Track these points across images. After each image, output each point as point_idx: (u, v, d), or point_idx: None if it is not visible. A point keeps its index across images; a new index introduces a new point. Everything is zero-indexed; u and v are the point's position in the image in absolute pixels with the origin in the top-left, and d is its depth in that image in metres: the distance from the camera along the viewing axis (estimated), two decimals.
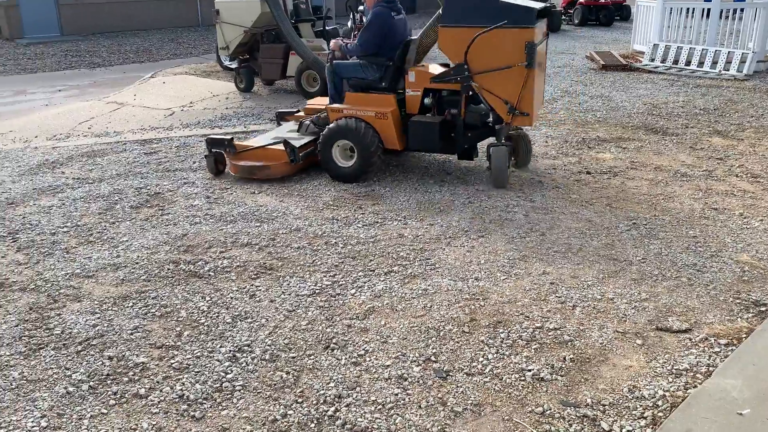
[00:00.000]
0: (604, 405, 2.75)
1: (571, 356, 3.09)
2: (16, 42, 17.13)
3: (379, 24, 5.61)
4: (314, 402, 2.78)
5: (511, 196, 5.32)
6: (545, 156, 6.52)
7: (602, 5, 19.56)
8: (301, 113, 6.69)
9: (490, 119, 5.58)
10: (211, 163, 5.93)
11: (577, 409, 2.73)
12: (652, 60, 11.75)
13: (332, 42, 6.11)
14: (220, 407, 2.76)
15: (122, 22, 19.36)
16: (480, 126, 5.60)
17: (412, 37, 5.99)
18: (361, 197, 5.40)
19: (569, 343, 3.20)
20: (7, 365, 3.05)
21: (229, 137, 5.86)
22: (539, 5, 5.36)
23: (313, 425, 2.64)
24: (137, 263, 4.14)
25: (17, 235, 4.63)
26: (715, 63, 10.98)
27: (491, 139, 5.61)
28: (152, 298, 3.68)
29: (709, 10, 11.53)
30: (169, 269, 4.04)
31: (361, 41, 5.69)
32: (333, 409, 2.73)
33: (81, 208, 5.17)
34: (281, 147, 5.72)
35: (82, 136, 7.84)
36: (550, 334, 3.28)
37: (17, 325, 3.40)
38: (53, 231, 4.70)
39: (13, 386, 2.90)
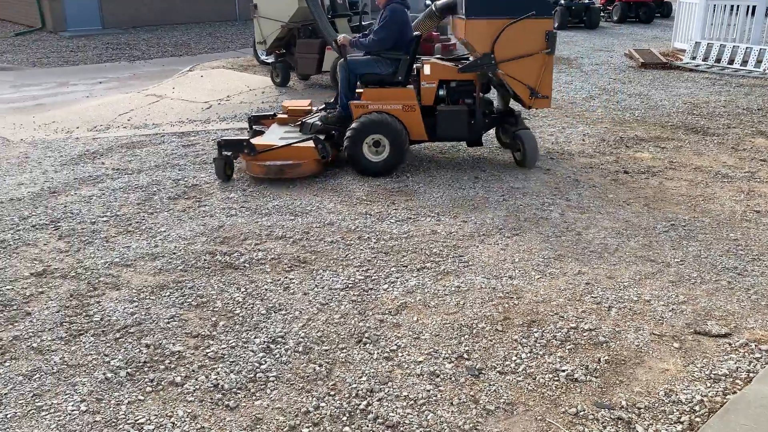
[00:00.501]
0: (639, 408, 2.71)
1: (606, 358, 3.05)
2: (60, 35, 17.52)
3: (396, 20, 5.73)
4: (346, 395, 2.80)
5: (547, 194, 5.27)
6: (582, 154, 6.43)
7: (642, 2, 19.22)
8: (284, 115, 6.45)
9: (496, 108, 6.13)
10: (220, 166, 5.58)
11: (612, 411, 2.69)
12: (694, 58, 11.50)
13: (341, 36, 6.01)
14: (254, 397, 2.79)
15: (162, 16, 19.67)
16: (493, 113, 6.06)
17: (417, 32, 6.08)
18: (394, 193, 5.40)
19: (604, 345, 3.16)
20: (48, 350, 3.13)
21: (246, 138, 5.65)
22: None
23: (345, 418, 2.66)
24: (174, 253, 4.20)
25: (59, 224, 4.74)
26: (759, 62, 10.70)
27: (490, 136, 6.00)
28: (189, 288, 3.73)
29: (754, 7, 11.25)
30: (205, 260, 4.10)
31: (379, 37, 5.74)
32: (365, 403, 2.74)
33: (120, 198, 5.28)
34: (309, 144, 5.63)
35: (122, 127, 7.99)
36: (584, 334, 3.24)
37: (58, 311, 3.49)
38: (93, 220, 4.81)
39: (55, 370, 2.97)
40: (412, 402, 2.75)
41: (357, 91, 5.96)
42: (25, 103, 9.93)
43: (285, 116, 6.45)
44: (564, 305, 3.53)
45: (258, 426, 2.61)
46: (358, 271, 3.97)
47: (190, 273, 3.94)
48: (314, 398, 2.78)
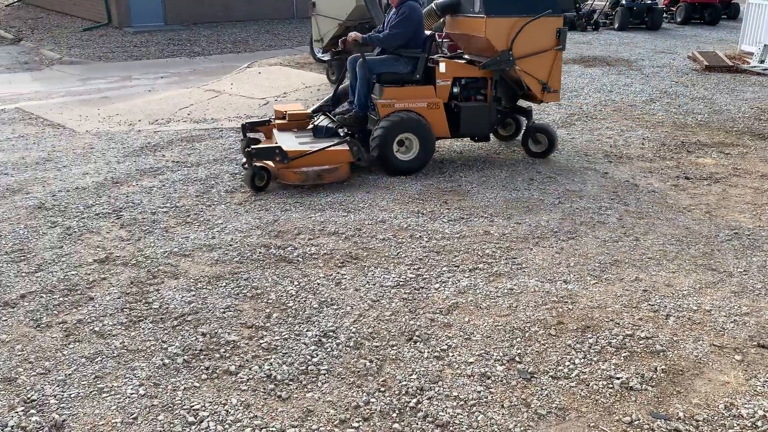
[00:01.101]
0: (697, 420, 2.63)
1: (663, 367, 2.97)
2: (124, 30, 18.08)
3: (414, 17, 5.76)
4: (396, 392, 2.81)
5: (604, 198, 5.17)
6: (641, 158, 6.28)
7: (708, 3, 18.58)
8: (282, 120, 6.18)
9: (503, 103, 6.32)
10: (249, 177, 5.28)
11: (668, 422, 2.62)
12: (762, 61, 11.07)
13: (352, 34, 5.86)
14: (306, 389, 2.83)
15: (222, 13, 20.07)
16: (503, 109, 6.29)
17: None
18: (447, 192, 5.38)
19: (661, 354, 3.07)
20: (110, 334, 3.24)
21: (278, 145, 5.39)
22: None
23: (395, 415, 2.67)
24: (231, 245, 4.29)
25: (121, 213, 4.90)
26: None
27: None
28: (244, 280, 3.81)
29: None
30: (260, 253, 4.18)
31: (396, 32, 5.74)
32: (415, 400, 2.75)
33: (180, 189, 5.42)
34: (343, 147, 5.50)
35: (182, 121, 8.20)
36: (641, 342, 3.17)
37: (119, 298, 3.61)
38: (154, 210, 4.95)
39: (115, 354, 3.08)
40: (462, 402, 2.74)
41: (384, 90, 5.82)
42: (91, 95, 10.29)
43: (284, 121, 6.17)
44: (620, 312, 3.45)
45: (309, 418, 2.65)
46: (409, 269, 3.97)
47: (246, 265, 4.01)
48: (364, 393, 2.80)
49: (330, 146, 5.50)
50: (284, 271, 3.94)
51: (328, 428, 2.59)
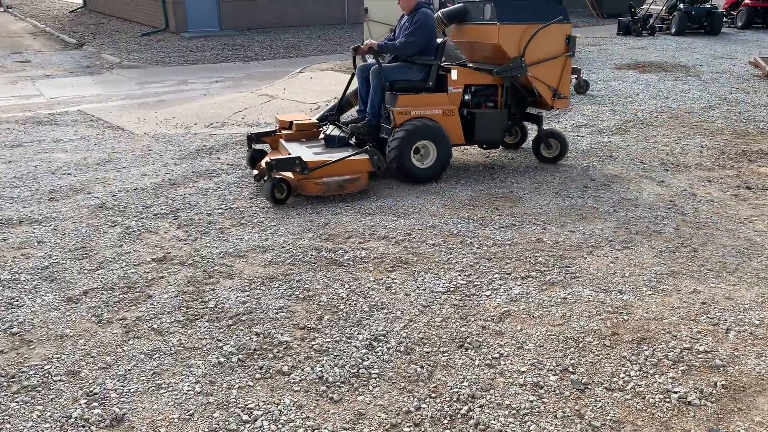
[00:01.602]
0: None
1: (723, 382, 2.88)
2: (181, 35, 18.57)
3: (429, 24, 5.76)
4: (447, 399, 2.80)
5: (660, 207, 5.05)
6: (699, 167, 6.11)
7: None
8: (288, 130, 6.09)
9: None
10: (270, 189, 5.13)
11: None
12: None
13: (368, 41, 5.86)
14: (357, 392, 2.85)
15: (275, 19, 20.43)
16: (514, 115, 6.31)
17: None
18: (498, 198, 5.34)
19: (721, 369, 2.98)
20: (167, 332, 3.33)
21: (297, 156, 5.24)
22: None
23: (446, 421, 2.66)
24: (283, 247, 4.36)
25: (178, 214, 5.03)
26: None
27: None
28: (296, 281, 3.86)
29: None
30: (311, 255, 4.23)
31: (412, 40, 5.71)
32: (466, 408, 2.74)
33: (234, 192, 5.53)
34: (362, 156, 5.39)
35: (236, 125, 8.37)
36: (699, 356, 3.08)
37: (177, 296, 3.71)
38: (209, 212, 5.07)
39: (172, 351, 3.16)
40: (514, 411, 2.71)
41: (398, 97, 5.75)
42: (148, 99, 10.60)
43: (291, 132, 6.08)
44: (677, 324, 3.37)
45: (360, 421, 2.67)
46: (460, 275, 3.96)
47: (298, 267, 4.07)
48: (415, 399, 2.80)
49: (350, 156, 5.41)
50: (335, 274, 3.98)
51: None
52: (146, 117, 8.96)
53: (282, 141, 6.01)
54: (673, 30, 16.66)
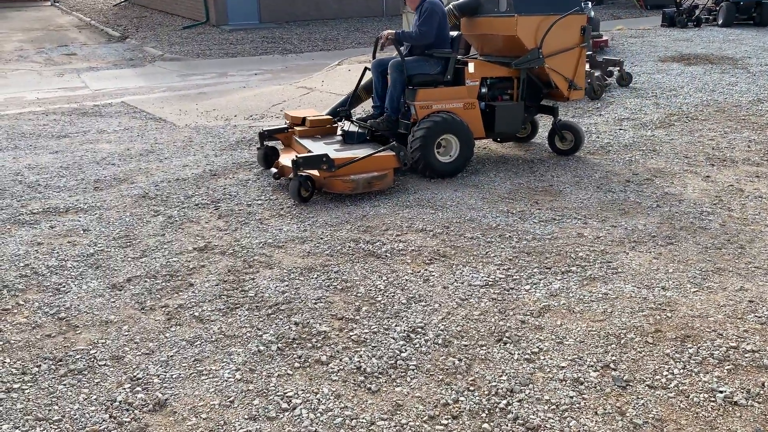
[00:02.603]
0: None
1: None
2: (221, 28, 18.79)
3: (437, 12, 5.67)
4: (486, 392, 2.78)
5: (706, 203, 4.92)
6: (746, 162, 5.94)
7: None
8: (305, 127, 5.98)
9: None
10: (295, 188, 5.05)
11: None
12: None
13: (386, 32, 5.78)
14: (395, 383, 2.85)
15: (313, 12, 20.51)
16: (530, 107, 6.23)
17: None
18: (538, 192, 5.28)
19: None
20: (208, 319, 3.39)
21: (324, 153, 5.14)
22: None
23: (484, 415, 2.65)
24: (321, 238, 4.38)
25: (219, 204, 5.10)
26: None
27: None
28: (334, 272, 3.88)
29: None
30: (350, 246, 4.24)
31: (425, 29, 5.64)
32: (505, 402, 2.71)
33: (273, 183, 5.58)
34: (388, 153, 5.29)
35: (275, 117, 8.44)
36: (746, 355, 3.00)
37: (217, 285, 3.76)
38: (249, 203, 5.12)
39: (213, 339, 3.21)
40: (554, 407, 2.68)
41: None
42: (189, 91, 10.76)
43: (305, 128, 5.98)
44: (723, 322, 3.28)
45: (398, 412, 2.67)
46: (498, 269, 3.93)
47: (336, 258, 4.09)
48: (453, 391, 2.79)
49: (377, 152, 5.31)
50: (373, 265, 3.99)
51: (417, 423, 2.60)
52: (187, 109, 9.10)
53: (296, 138, 5.94)
54: (720, 21, 16.19)
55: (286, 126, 6.17)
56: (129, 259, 4.14)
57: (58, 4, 29.42)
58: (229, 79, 11.99)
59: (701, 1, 17.46)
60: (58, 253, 4.23)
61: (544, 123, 6.94)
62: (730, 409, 2.66)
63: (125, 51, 16.01)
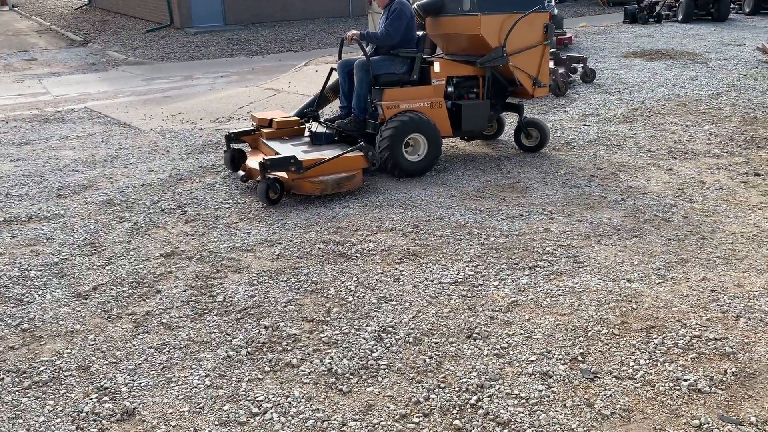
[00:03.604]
0: None
1: (734, 370, 2.87)
2: (186, 31, 18.58)
3: (406, 14, 5.73)
4: (456, 389, 2.80)
5: (669, 196, 5.02)
6: (707, 154, 6.07)
7: None
8: (272, 129, 5.93)
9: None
10: (263, 190, 4.99)
11: (740, 426, 2.53)
12: None
13: (350, 32, 5.78)
14: (366, 384, 2.85)
15: (279, 13, 20.40)
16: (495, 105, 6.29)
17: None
18: (505, 189, 5.33)
19: (731, 356, 2.97)
20: (177, 326, 3.35)
21: (292, 155, 5.09)
22: None
23: (455, 411, 2.66)
24: (291, 241, 4.37)
25: (185, 209, 5.04)
26: None
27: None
28: (304, 274, 3.87)
29: None
30: (319, 248, 4.23)
31: (391, 30, 5.68)
32: (475, 398, 2.74)
33: (241, 186, 5.54)
34: (357, 153, 5.29)
35: (242, 119, 8.37)
36: (709, 344, 3.07)
37: (185, 291, 3.72)
38: (216, 206, 5.08)
39: (182, 345, 3.17)
40: (523, 401, 2.71)
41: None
42: (154, 95, 10.62)
43: (272, 130, 5.92)
44: (686, 312, 3.35)
45: (370, 412, 2.67)
46: (467, 266, 3.95)
47: (306, 260, 4.08)
48: (424, 389, 2.80)
49: (345, 153, 5.30)
50: (343, 266, 3.98)
51: (389, 423, 2.61)
52: (152, 113, 8.98)
53: (263, 140, 5.87)
54: (679, 17, 16.52)
55: (253, 128, 6.13)
56: (94, 267, 4.07)
57: (16, 8, 28.80)
58: (194, 82, 11.86)
59: None
60: (20, 263, 4.14)
61: (511, 121, 7.00)
62: (695, 396, 2.72)
63: (87, 55, 15.74)
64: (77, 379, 2.92)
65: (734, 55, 11.30)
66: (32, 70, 13.82)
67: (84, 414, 2.68)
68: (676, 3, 17.07)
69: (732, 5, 17.88)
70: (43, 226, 4.77)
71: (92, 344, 3.20)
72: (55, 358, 3.09)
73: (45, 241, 4.50)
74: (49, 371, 2.98)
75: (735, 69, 10.15)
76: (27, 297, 3.69)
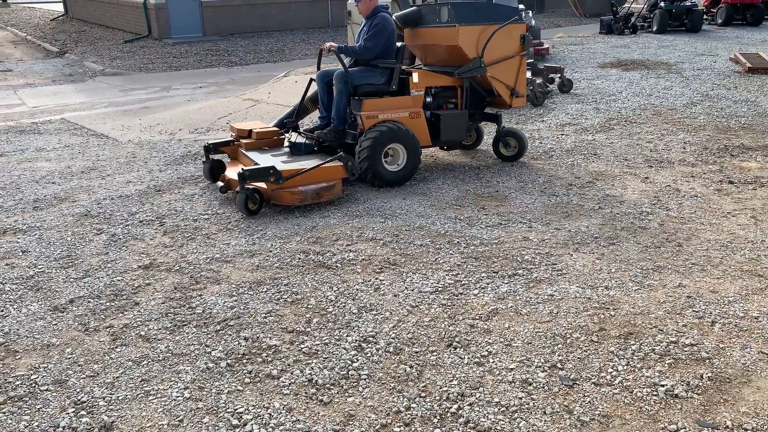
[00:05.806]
0: (746, 429, 2.57)
1: (710, 375, 2.91)
2: (164, 41, 18.48)
3: (388, 28, 5.79)
4: (437, 398, 2.81)
5: (646, 203, 5.09)
6: (682, 163, 6.17)
7: (750, 3, 18.15)
8: (251, 139, 5.93)
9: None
10: (242, 201, 4.98)
11: (716, 430, 2.57)
12: None
13: (327, 44, 5.80)
14: (347, 394, 2.85)
15: (258, 24, 20.38)
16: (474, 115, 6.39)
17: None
18: (484, 198, 5.37)
19: (707, 361, 3.01)
20: (155, 338, 3.32)
21: (271, 165, 5.08)
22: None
23: (436, 420, 2.67)
24: (271, 251, 4.35)
25: (164, 220, 5.01)
26: None
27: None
28: (284, 285, 3.86)
29: None
30: (299, 258, 4.22)
31: (371, 44, 5.73)
32: (456, 406, 2.74)
33: (220, 197, 5.51)
34: (336, 163, 5.29)
35: (221, 130, 8.34)
36: (686, 349, 3.11)
37: (164, 303, 3.69)
38: (195, 218, 5.05)
39: (161, 358, 3.14)
40: (503, 408, 2.72)
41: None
42: (133, 106, 10.55)
43: (252, 140, 5.92)
44: (663, 318, 3.40)
45: (351, 422, 2.67)
46: (447, 275, 3.97)
47: (286, 270, 4.06)
48: (405, 399, 2.80)
49: (325, 163, 5.29)
50: (323, 276, 3.98)
51: None
52: (130, 124, 8.92)
53: (242, 150, 5.86)
54: (654, 28, 16.82)
55: (232, 139, 6.11)
56: (71, 279, 4.02)
57: None
58: (173, 92, 11.80)
59: (636, 9, 18.10)
60: None
61: (489, 130, 7.07)
62: (672, 402, 2.75)
63: (64, 66, 15.58)
64: (54, 394, 2.88)
65: (708, 65, 11.52)
66: (7, 81, 13.65)
67: (61, 429, 2.64)
68: (650, 14, 17.38)
69: (705, 16, 18.26)
70: (18, 238, 4.71)
71: (69, 358, 3.15)
72: (31, 372, 3.04)
73: (20, 253, 4.43)
74: (24, 386, 2.93)
75: (708, 79, 10.35)
76: (2, 311, 3.63)
